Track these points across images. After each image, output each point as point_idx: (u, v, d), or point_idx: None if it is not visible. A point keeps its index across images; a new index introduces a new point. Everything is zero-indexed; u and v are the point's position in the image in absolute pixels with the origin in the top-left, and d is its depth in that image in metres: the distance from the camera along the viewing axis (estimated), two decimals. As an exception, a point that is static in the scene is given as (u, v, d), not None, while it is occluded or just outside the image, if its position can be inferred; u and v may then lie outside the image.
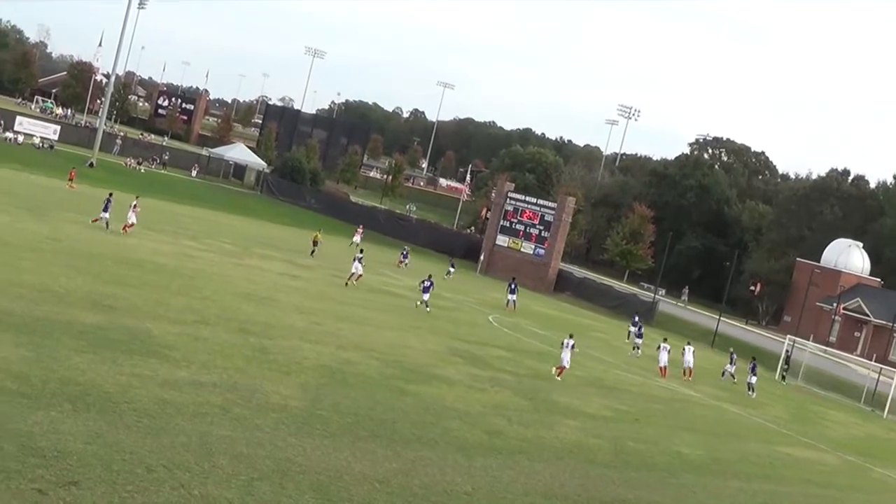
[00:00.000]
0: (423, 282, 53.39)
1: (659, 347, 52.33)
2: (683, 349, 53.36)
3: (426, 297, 52.34)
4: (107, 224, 52.56)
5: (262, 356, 29.48)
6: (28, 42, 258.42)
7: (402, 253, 76.87)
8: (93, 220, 53.12)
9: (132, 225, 53.46)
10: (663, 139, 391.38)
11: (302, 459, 20.32)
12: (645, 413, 37.75)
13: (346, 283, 54.11)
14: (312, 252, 65.66)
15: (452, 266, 78.92)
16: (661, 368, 50.40)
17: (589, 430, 31.25)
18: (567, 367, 40.84)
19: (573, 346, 41.58)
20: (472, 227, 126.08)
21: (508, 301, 63.98)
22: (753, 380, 52.35)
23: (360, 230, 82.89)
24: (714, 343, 75.49)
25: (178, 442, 19.33)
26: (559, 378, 40.06)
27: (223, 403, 22.92)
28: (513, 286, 65.39)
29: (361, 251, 60.87)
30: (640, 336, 59.02)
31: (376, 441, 23.25)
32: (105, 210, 53.12)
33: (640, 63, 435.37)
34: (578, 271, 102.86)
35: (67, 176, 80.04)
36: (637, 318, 64.43)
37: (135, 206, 54.65)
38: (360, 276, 55.47)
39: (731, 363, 56.64)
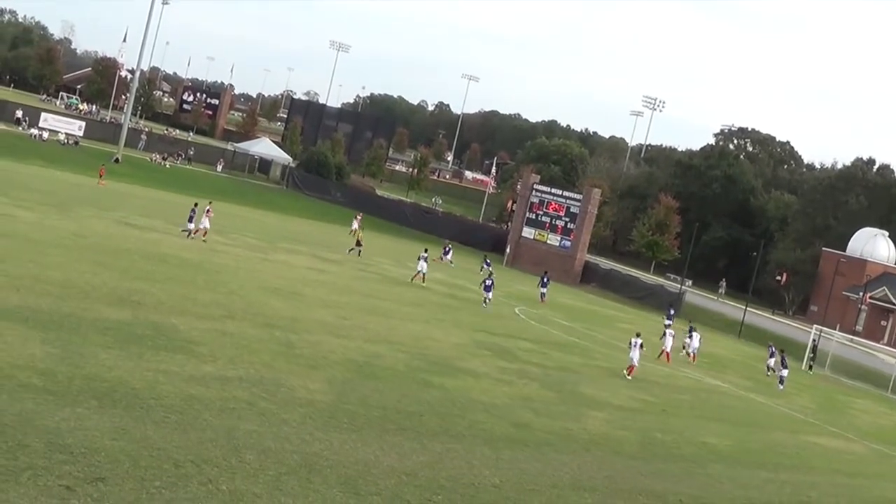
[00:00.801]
0: (484, 281, 56.01)
1: (664, 334, 52.24)
2: (690, 334, 53.90)
3: (489, 295, 54.28)
4: (189, 234, 52.51)
5: (289, 350, 29.47)
6: (52, 38, 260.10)
7: (445, 249, 76.47)
8: (182, 231, 53.21)
9: (206, 231, 53.34)
10: (688, 130, 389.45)
11: (329, 454, 20.27)
12: (672, 404, 37.62)
13: (412, 280, 55.95)
14: (352, 250, 64.33)
15: (487, 264, 76.82)
16: (665, 353, 50.51)
17: (616, 421, 31.15)
18: (636, 365, 41.22)
19: (641, 345, 41.97)
20: (500, 220, 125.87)
21: (542, 294, 64.41)
22: (784, 372, 51.84)
23: (358, 217, 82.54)
24: (741, 333, 75.15)
25: (205, 437, 19.31)
26: (630, 377, 40.47)
27: (250, 398, 22.90)
28: (545, 279, 65.79)
29: (426, 250, 61.45)
30: (670, 319, 59.64)
31: (403, 434, 23.20)
32: (190, 220, 53.25)
33: (665, 54, 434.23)
34: (605, 263, 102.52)
35: (96, 172, 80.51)
36: (672, 311, 64.29)
37: (208, 210, 54.60)
38: (425, 274, 56.78)
39: (771, 356, 56.19)
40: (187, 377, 23.41)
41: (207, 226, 53.76)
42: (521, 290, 68.06)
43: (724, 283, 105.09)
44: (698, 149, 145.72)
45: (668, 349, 50.30)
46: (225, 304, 34.98)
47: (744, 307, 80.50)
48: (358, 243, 64.81)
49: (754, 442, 34.18)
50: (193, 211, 54.00)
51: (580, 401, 33.40)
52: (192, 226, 53.20)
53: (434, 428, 24.50)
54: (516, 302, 59.58)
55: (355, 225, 79.36)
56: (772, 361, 55.79)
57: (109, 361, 23.07)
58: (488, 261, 75.70)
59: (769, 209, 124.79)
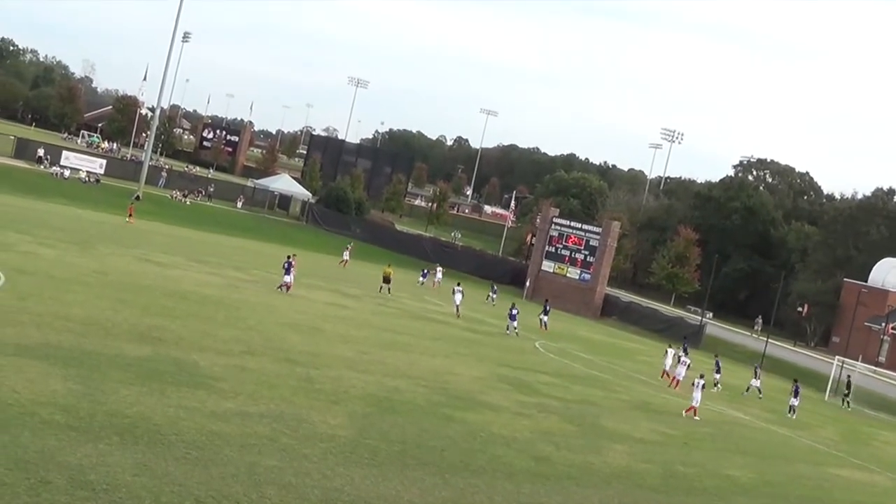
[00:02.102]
0: (510, 310, 58.01)
1: (679, 361, 52.39)
2: (679, 358, 54.11)
3: (515, 323, 56.68)
4: (287, 288, 51.57)
5: (309, 386, 29.48)
6: (73, 77, 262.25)
7: (423, 272, 77.11)
8: (278, 288, 51.97)
9: (290, 285, 52.27)
10: (707, 162, 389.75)
11: (350, 489, 20.25)
12: (693, 436, 37.41)
13: (458, 316, 58.12)
14: (381, 288, 63.52)
15: (494, 291, 78.74)
16: (670, 376, 51.53)
17: (637, 454, 31.00)
18: (697, 405, 41.72)
19: (703, 386, 42.69)
20: (519, 254, 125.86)
21: (543, 322, 64.75)
22: (795, 402, 51.70)
23: (349, 247, 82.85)
24: (762, 365, 74.74)
25: (226, 473, 19.32)
26: (697, 418, 41.02)
27: (270, 434, 22.92)
28: (546, 308, 66.79)
29: (458, 284, 63.95)
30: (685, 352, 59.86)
31: (425, 469, 23.16)
32: (287, 273, 51.99)
33: (682, 86, 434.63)
34: (625, 295, 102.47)
35: (117, 210, 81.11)
36: (686, 344, 64.22)
37: (293, 263, 53.04)
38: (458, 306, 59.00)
39: (755, 377, 56.66)
40: (208, 413, 23.46)
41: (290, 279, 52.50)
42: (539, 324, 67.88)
43: (761, 321, 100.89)
44: (718, 180, 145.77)
45: (681, 377, 50.47)
46: (245, 339, 35.05)
47: (765, 339, 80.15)
48: (386, 280, 64.29)
49: (777, 474, 33.96)
50: (290, 263, 52.60)
51: (601, 434, 33.28)
52: (288, 279, 51.84)
53: (455, 463, 24.45)
54: (536, 336, 59.47)
55: (346, 255, 79.47)
56: (756, 382, 56.58)
57: (131, 398, 23.15)
58: (495, 288, 76.22)
59: (789, 240, 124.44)
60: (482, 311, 66.53)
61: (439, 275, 76.27)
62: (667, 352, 55.24)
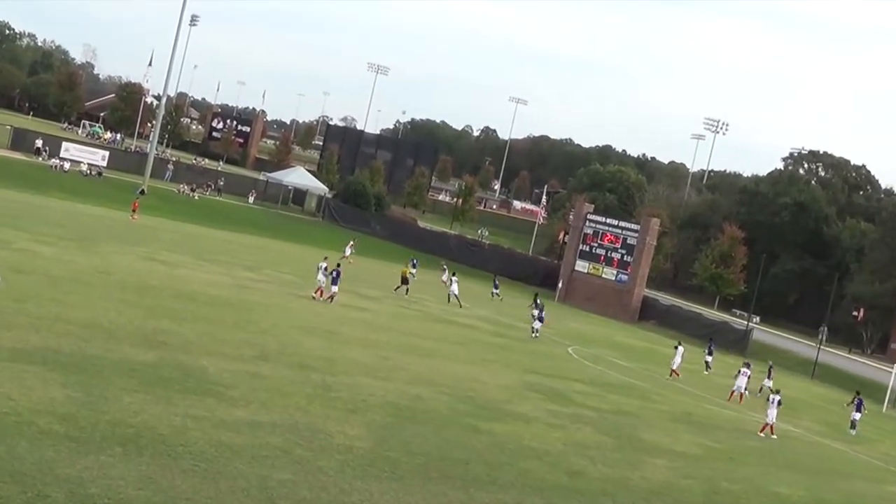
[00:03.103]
0: (539, 311, 58.97)
1: (739, 372, 52.25)
2: (676, 348, 55.65)
3: (537, 325, 57.71)
4: (332, 298, 51.21)
5: (325, 393, 29.54)
6: (74, 63, 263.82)
7: (413, 262, 77.43)
8: (324, 298, 51.35)
9: (321, 289, 52.11)
10: (754, 154, 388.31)
11: (369, 504, 20.34)
12: (739, 450, 37.32)
13: (533, 336, 57.49)
14: (398, 288, 63.53)
15: (496, 286, 78.92)
16: (733, 393, 51.39)
17: (678, 469, 30.94)
18: (771, 423, 41.84)
19: (779, 402, 42.57)
20: (551, 253, 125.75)
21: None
22: (857, 416, 51.05)
23: (352, 242, 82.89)
24: (814, 374, 74.44)
25: (237, 487, 19.39)
26: (774, 436, 41.30)
27: (284, 445, 22.98)
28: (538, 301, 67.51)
29: (454, 274, 67.52)
30: (710, 354, 62.32)
31: (448, 483, 23.17)
32: (334, 283, 51.58)
33: (727, 74, 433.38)
34: (665, 298, 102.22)
35: (120, 205, 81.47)
36: (712, 345, 64.39)
37: (325, 267, 52.62)
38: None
39: (768, 377, 56.84)
40: (217, 422, 23.53)
41: (323, 280, 52.38)
42: (573, 328, 67.95)
43: (826, 329, 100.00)
44: (765, 174, 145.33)
45: (741, 390, 50.51)
46: (257, 344, 35.15)
47: (817, 346, 79.77)
48: (405, 280, 64.57)
49: (831, 492, 33.82)
50: (338, 273, 52.29)
51: (639, 447, 33.23)
52: (335, 288, 51.53)
53: (481, 476, 24.44)
54: (569, 341, 59.46)
55: (348, 251, 79.44)
56: (769, 382, 56.20)
57: (135, 406, 23.25)
58: (497, 282, 77.59)
59: (844, 238, 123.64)
60: (511, 316, 66.49)
61: (445, 275, 76.37)
62: (676, 348, 55.60)
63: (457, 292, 65.49)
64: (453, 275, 69.20)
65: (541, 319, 58.03)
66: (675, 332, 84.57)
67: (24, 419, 20.40)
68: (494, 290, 77.81)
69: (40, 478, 17.35)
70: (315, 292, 51.66)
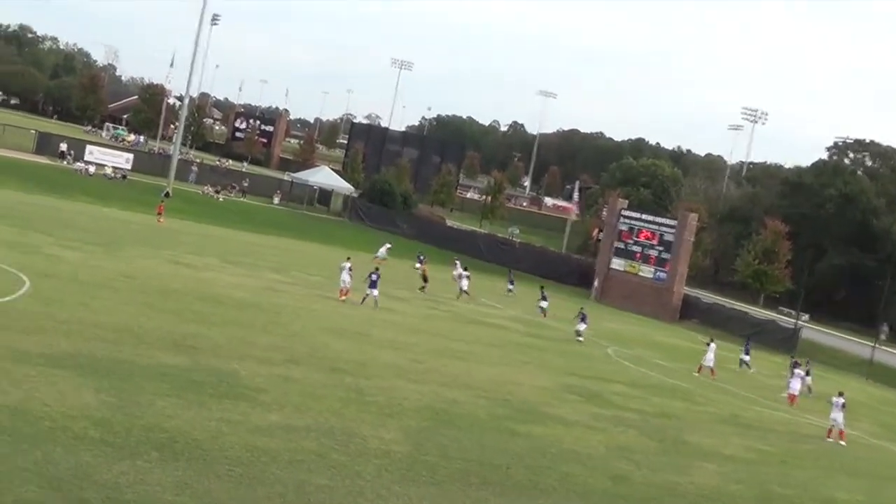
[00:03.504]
0: (579, 315, 58.50)
1: (792, 374, 51.92)
2: (708, 344, 55.88)
3: (582, 327, 57.15)
4: (375, 303, 51.40)
5: (359, 397, 29.72)
6: (96, 65, 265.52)
7: (419, 258, 77.74)
8: (358, 299, 51.46)
9: (348, 290, 52.21)
10: (796, 144, 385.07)
11: (408, 510, 20.48)
12: (792, 454, 37.14)
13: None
14: (422, 288, 64.34)
15: (511, 282, 79.21)
16: (789, 396, 50.58)
17: (728, 473, 30.84)
18: (840, 428, 41.66)
19: (844, 405, 42.30)
20: (585, 251, 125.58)
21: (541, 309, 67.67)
22: None
23: (389, 246, 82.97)
24: (869, 374, 73.86)
25: (273, 492, 19.59)
26: (843, 442, 41.11)
27: (319, 449, 23.17)
28: (543, 293, 69.42)
29: (466, 268, 68.82)
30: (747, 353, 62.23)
31: (488, 489, 23.27)
32: (373, 286, 51.71)
33: (765, 62, 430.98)
34: (706, 296, 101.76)
35: (145, 208, 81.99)
36: (749, 344, 64.17)
37: (349, 268, 52.98)
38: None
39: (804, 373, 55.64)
40: (252, 427, 23.76)
41: (348, 282, 52.40)
42: (611, 328, 67.82)
43: (887, 328, 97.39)
44: (808, 165, 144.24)
45: (796, 391, 50.24)
46: (287, 347, 35.40)
47: (872, 344, 79.14)
48: (424, 279, 65.19)
49: (891, 498, 33.64)
50: (376, 277, 52.44)
51: (685, 450, 33.20)
52: (374, 292, 51.62)
53: (522, 481, 24.55)
54: (608, 342, 59.38)
55: (383, 252, 79.70)
56: (807, 379, 55.54)
57: (168, 410, 23.52)
58: (512, 279, 77.27)
59: (894, 231, 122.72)
60: (548, 315, 66.53)
61: (457, 269, 76.60)
62: (709, 345, 55.70)
63: (466, 287, 66.17)
64: (465, 269, 69.75)
65: (584, 320, 57.66)
66: (718, 331, 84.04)
67: (58, 424, 20.69)
68: (510, 286, 77.75)
69: (77, 483, 17.60)
70: (341, 295, 51.75)
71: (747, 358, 62.05)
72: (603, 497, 24.83)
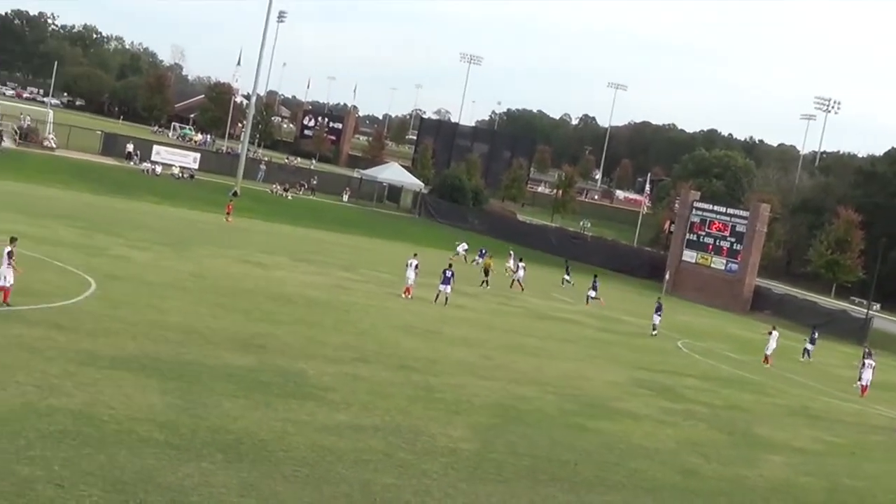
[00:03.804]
0: (656, 311, 57.37)
1: (863, 364, 51.07)
2: (770, 333, 55.43)
3: (657, 320, 56.65)
4: (446, 299, 51.18)
5: (427, 395, 29.66)
6: (162, 65, 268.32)
7: (480, 251, 77.46)
8: (421, 296, 51.51)
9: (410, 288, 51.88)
10: (869, 133, 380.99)
11: (474, 508, 20.36)
12: (862, 446, 36.64)
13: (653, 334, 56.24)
14: (483, 282, 64.06)
15: (568, 272, 79.00)
16: (862, 387, 49.87)
17: (797, 466, 30.47)
18: (865, 384, 41.11)
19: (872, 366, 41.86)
20: (657, 243, 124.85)
21: (564, 281, 71.37)
22: None
23: (465, 245, 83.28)
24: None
25: (339, 492, 19.53)
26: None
27: (386, 448, 23.11)
28: (567, 270, 73.32)
29: (521, 259, 69.59)
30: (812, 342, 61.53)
31: (557, 485, 23.11)
32: (445, 283, 51.36)
33: (838, 48, 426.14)
34: (778, 287, 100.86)
35: (213, 208, 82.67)
36: (815, 334, 63.12)
37: (416, 265, 52.53)
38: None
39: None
40: (318, 427, 23.75)
41: (413, 279, 52.04)
42: (683, 321, 67.35)
43: None
44: (882, 153, 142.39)
45: (867, 382, 49.50)
46: (356, 345, 35.43)
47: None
48: (486, 272, 65.15)
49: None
50: (451, 272, 52.27)
51: (755, 443, 32.81)
52: (448, 289, 51.55)
53: (590, 478, 24.35)
54: (678, 335, 58.94)
55: (461, 250, 79.60)
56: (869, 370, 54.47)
57: (234, 411, 23.57)
58: (569, 268, 77.24)
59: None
60: (618, 310, 66.22)
61: (511, 261, 76.25)
62: (771, 333, 55.23)
63: (521, 277, 67.07)
64: (520, 260, 69.95)
65: (658, 310, 57.11)
66: (790, 322, 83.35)
67: (123, 427, 20.78)
68: (566, 277, 77.33)
69: (142, 486, 17.64)
70: (404, 292, 51.57)
71: (811, 347, 61.12)
72: (672, 492, 24.57)
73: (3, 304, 30.64)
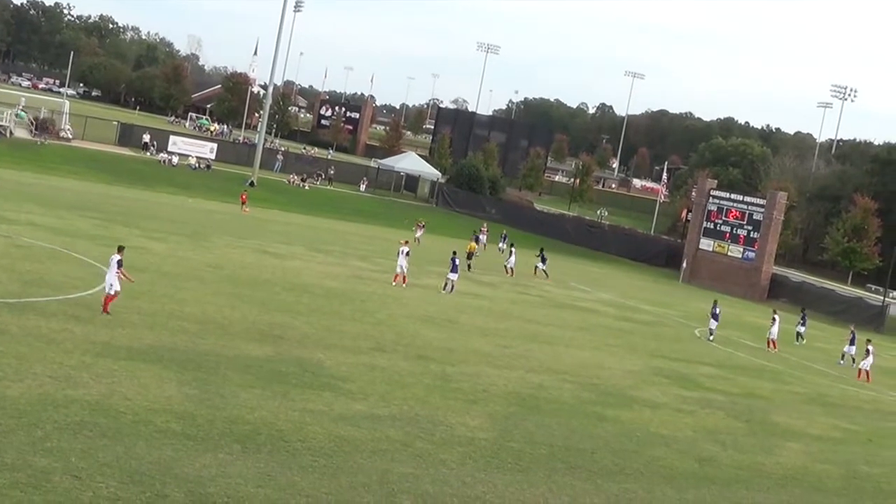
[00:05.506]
0: (713, 308, 54.17)
1: (868, 352, 50.84)
2: (773, 318, 55.07)
3: (713, 325, 53.41)
4: (452, 287, 50.98)
5: (445, 384, 29.63)
6: (178, 55, 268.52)
7: (502, 235, 76.89)
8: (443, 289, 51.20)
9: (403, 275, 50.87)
10: (886, 120, 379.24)
11: (493, 497, 20.30)
12: (879, 432, 36.52)
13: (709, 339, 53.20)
14: (469, 267, 62.82)
15: (543, 260, 70.37)
16: (860, 371, 49.78)
17: (814, 453, 30.39)
18: (866, 369, 41.12)
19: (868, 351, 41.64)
20: (674, 232, 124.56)
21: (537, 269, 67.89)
22: None
23: (421, 224, 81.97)
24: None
25: (357, 482, 19.52)
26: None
27: (404, 438, 23.09)
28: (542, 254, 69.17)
29: (514, 245, 68.23)
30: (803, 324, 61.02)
31: (574, 474, 23.07)
32: (455, 271, 51.09)
33: (855, 35, 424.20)
34: (794, 274, 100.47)
35: (230, 198, 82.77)
36: (804, 316, 62.44)
37: (407, 252, 51.48)
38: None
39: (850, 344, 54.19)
40: (336, 417, 23.73)
41: (404, 266, 50.88)
42: (700, 309, 67.05)
43: None
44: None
45: (867, 367, 49.25)
46: (374, 335, 35.39)
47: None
48: (469, 256, 65.18)
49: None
50: (459, 259, 52.80)
51: (772, 431, 32.74)
52: (454, 276, 51.21)
53: (608, 466, 24.32)
54: (696, 323, 58.74)
55: (419, 233, 78.63)
56: (851, 349, 54.19)
57: (252, 402, 23.56)
58: (544, 255, 71.68)
59: None
60: (636, 298, 66.07)
61: (503, 243, 75.83)
62: (774, 318, 55.10)
63: (513, 264, 65.61)
64: (512, 245, 69.65)
65: (715, 317, 53.63)
66: (808, 311, 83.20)
67: (141, 418, 20.80)
68: (540, 265, 69.72)
69: (159, 477, 17.65)
70: (395, 279, 50.48)
71: (802, 329, 60.66)
72: (689, 479, 24.53)
73: (103, 312, 30.47)
